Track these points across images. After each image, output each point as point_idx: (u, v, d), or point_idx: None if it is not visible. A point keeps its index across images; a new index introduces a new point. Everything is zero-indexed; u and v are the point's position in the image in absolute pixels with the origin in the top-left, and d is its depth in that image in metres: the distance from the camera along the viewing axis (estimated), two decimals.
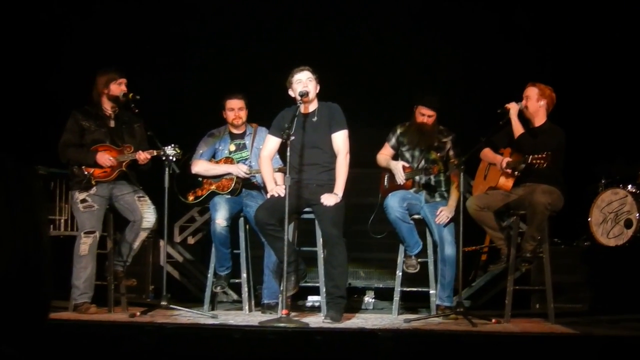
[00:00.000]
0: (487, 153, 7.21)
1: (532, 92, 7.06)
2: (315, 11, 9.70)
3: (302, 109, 6.85)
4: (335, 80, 7.98)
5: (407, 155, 7.56)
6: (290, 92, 6.91)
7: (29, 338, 2.24)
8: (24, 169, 2.24)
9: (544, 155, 6.63)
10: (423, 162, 7.48)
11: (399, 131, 7.64)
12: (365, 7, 9.75)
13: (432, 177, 7.47)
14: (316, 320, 6.75)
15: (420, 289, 7.62)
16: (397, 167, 7.47)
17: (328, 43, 9.76)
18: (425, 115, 7.50)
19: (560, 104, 7.15)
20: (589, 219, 8.58)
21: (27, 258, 2.21)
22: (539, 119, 7.07)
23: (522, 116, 7.08)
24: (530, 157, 6.70)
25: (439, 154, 7.50)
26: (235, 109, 7.70)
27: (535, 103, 7.03)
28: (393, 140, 7.65)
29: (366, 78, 9.85)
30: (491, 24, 9.63)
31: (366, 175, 8.32)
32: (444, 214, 7.33)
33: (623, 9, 9.17)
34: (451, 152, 7.50)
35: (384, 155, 7.67)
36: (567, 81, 8.71)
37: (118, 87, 7.21)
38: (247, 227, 7.58)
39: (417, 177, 7.47)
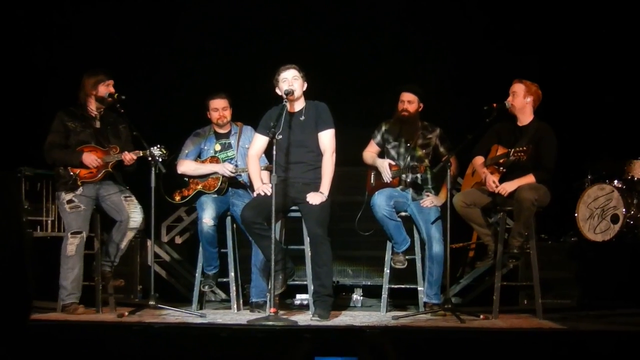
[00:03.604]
0: (476, 162, 7.22)
1: (518, 88, 7.06)
2: (303, 8, 9.68)
3: (288, 107, 6.86)
4: (323, 78, 7.97)
5: (393, 152, 7.56)
6: (277, 90, 6.91)
7: (11, 337, 2.24)
8: (3, 172, 2.24)
9: (524, 149, 6.66)
10: (409, 159, 7.47)
11: (384, 128, 7.64)
12: (353, 5, 9.75)
13: (419, 175, 7.46)
14: (304, 319, 6.74)
15: (408, 286, 7.62)
16: (384, 165, 7.47)
17: (315, 40, 9.74)
18: (405, 101, 7.51)
19: (548, 100, 7.16)
20: (576, 215, 8.61)
21: (9, 259, 2.21)
22: (526, 116, 7.07)
23: (508, 113, 7.09)
24: (512, 151, 6.74)
25: (424, 151, 7.50)
26: (219, 109, 7.69)
27: (522, 99, 7.04)
28: (378, 137, 7.65)
29: (354, 76, 9.84)
30: (479, 22, 9.64)
31: (354, 174, 8.31)
32: (430, 198, 7.34)
33: (610, 6, 9.20)
34: (441, 149, 7.49)
35: (370, 153, 7.67)
36: (555, 77, 8.75)
37: (106, 89, 7.21)
38: (234, 226, 7.58)
39: (403, 175, 7.46)
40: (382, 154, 7.64)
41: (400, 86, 7.65)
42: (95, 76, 7.24)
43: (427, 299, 7.26)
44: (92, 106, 7.26)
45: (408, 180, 7.48)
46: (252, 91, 8.53)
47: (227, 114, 7.73)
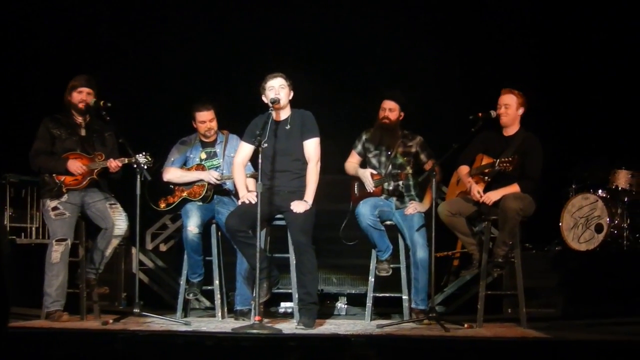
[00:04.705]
0: (461, 171, 7.21)
1: (511, 100, 7.00)
2: (290, 16, 9.70)
3: (274, 116, 6.86)
4: (309, 87, 7.98)
5: (374, 161, 7.56)
6: (263, 98, 6.91)
7: None
8: None
9: (510, 159, 6.67)
10: (390, 167, 7.47)
11: (364, 137, 7.64)
12: (340, 13, 9.76)
13: (400, 182, 7.46)
14: (289, 327, 6.74)
15: (392, 295, 7.61)
16: (366, 175, 7.48)
17: (303, 49, 9.77)
18: (386, 109, 7.51)
19: (534, 107, 7.16)
20: (560, 224, 8.64)
21: None
22: (513, 126, 7.06)
23: (495, 123, 7.08)
24: (497, 161, 6.74)
25: (405, 158, 7.49)
26: (207, 121, 7.67)
27: (515, 112, 7.01)
28: (359, 147, 7.65)
29: (341, 84, 9.86)
30: (465, 30, 9.66)
31: (340, 182, 8.27)
32: (414, 205, 7.34)
33: (600, 14, 9.24)
34: (422, 156, 7.50)
35: (352, 163, 7.67)
36: (542, 85, 8.78)
37: (78, 96, 7.19)
38: (219, 233, 7.57)
39: (385, 184, 7.46)
40: (363, 164, 7.64)
41: (383, 93, 7.64)
42: (72, 82, 7.23)
43: (414, 305, 7.26)
44: (75, 113, 7.24)
45: (390, 188, 7.47)
46: (238, 99, 8.53)
47: (214, 124, 7.71)
